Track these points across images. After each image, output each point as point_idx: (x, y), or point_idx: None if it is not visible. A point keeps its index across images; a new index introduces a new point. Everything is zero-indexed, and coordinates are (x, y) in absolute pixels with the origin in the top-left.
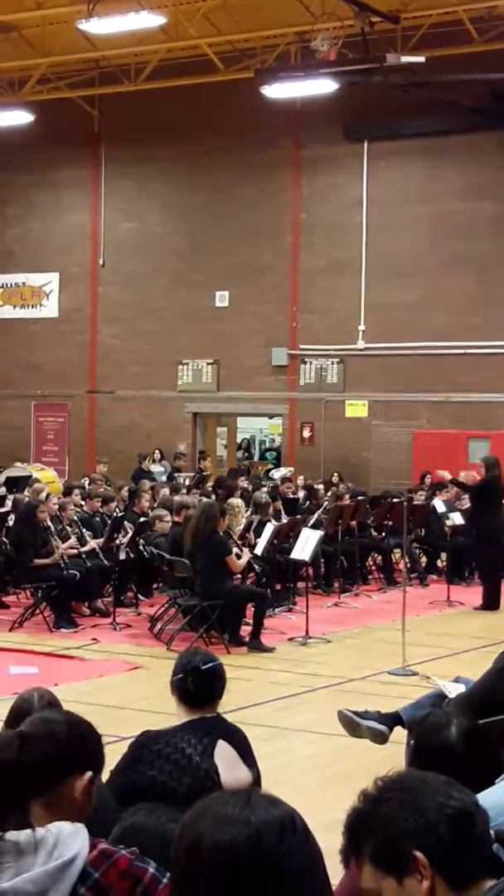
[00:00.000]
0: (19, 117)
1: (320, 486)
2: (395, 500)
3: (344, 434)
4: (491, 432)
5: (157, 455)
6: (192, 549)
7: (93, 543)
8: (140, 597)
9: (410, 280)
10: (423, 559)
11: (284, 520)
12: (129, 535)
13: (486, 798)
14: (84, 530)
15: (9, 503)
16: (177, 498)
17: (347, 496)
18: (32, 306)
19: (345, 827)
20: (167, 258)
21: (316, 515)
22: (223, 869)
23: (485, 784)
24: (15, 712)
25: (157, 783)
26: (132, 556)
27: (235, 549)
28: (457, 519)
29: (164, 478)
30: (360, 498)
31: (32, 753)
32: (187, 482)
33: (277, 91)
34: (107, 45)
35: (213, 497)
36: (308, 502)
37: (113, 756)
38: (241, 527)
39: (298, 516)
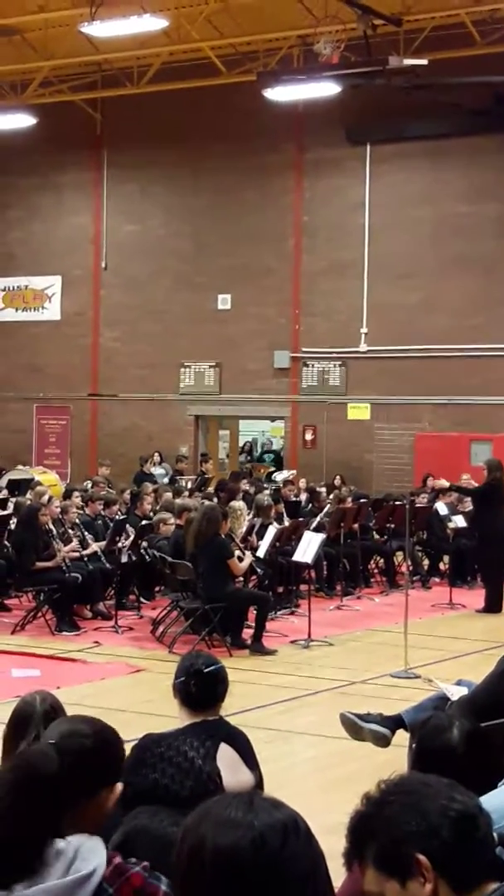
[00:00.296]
0: (21, 120)
1: (322, 489)
2: (397, 502)
3: (346, 437)
4: (493, 435)
5: (157, 458)
6: (194, 552)
7: (95, 546)
8: (142, 600)
9: (413, 282)
10: (426, 562)
11: (287, 523)
12: (132, 538)
13: (488, 801)
14: (86, 533)
15: (11, 506)
16: (178, 501)
17: (350, 499)
18: (35, 309)
19: (347, 830)
20: (169, 261)
21: (318, 518)
22: (226, 873)
23: (487, 787)
24: (17, 716)
25: (159, 786)
26: (134, 558)
27: (237, 552)
28: (459, 521)
29: (164, 480)
30: (362, 500)
31: (71, 768)
32: (189, 485)
33: (280, 94)
34: (109, 48)
35: (215, 500)
36: (310, 505)
37: None
38: (244, 530)
39: (300, 519)
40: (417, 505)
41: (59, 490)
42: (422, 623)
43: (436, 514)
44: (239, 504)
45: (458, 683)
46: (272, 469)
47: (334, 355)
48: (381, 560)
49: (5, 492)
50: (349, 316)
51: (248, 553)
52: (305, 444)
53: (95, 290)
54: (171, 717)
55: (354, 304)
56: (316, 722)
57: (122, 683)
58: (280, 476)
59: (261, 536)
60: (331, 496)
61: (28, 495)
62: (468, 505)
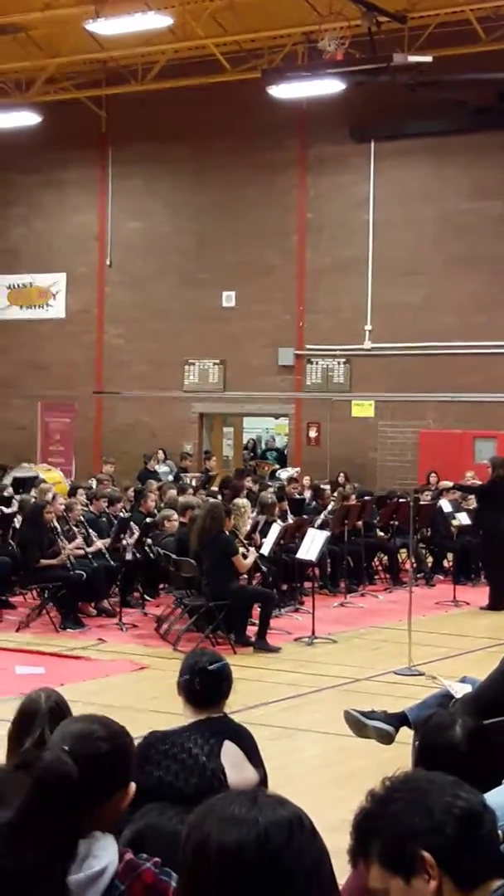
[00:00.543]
0: (26, 118)
1: (326, 487)
2: (401, 500)
3: (350, 434)
4: (497, 432)
5: (160, 455)
6: (199, 550)
7: (99, 544)
8: (146, 597)
9: (417, 280)
10: (430, 559)
11: (291, 520)
12: (136, 535)
13: (492, 798)
14: (90, 531)
15: (15, 504)
16: (181, 498)
17: (353, 496)
18: (39, 307)
19: (352, 827)
20: (174, 258)
21: (322, 516)
22: (231, 869)
23: (491, 784)
24: (22, 713)
25: (164, 783)
26: (138, 556)
27: (242, 550)
28: (463, 519)
29: (169, 478)
30: (366, 498)
31: (87, 774)
32: (193, 482)
33: (284, 91)
34: (114, 45)
35: (220, 497)
36: (314, 502)
37: None
38: (248, 527)
39: (305, 516)
40: (421, 502)
41: (63, 488)
42: (426, 620)
43: (440, 512)
44: (243, 501)
45: (462, 681)
46: (276, 466)
47: (338, 352)
48: (385, 557)
49: (10, 489)
50: (353, 313)
51: (252, 550)
52: (309, 442)
53: (100, 287)
54: (175, 714)
55: (358, 301)
56: (320, 719)
57: (126, 681)
58: (284, 473)
59: (265, 534)
60: (335, 493)
61: (32, 493)
62: (472, 502)
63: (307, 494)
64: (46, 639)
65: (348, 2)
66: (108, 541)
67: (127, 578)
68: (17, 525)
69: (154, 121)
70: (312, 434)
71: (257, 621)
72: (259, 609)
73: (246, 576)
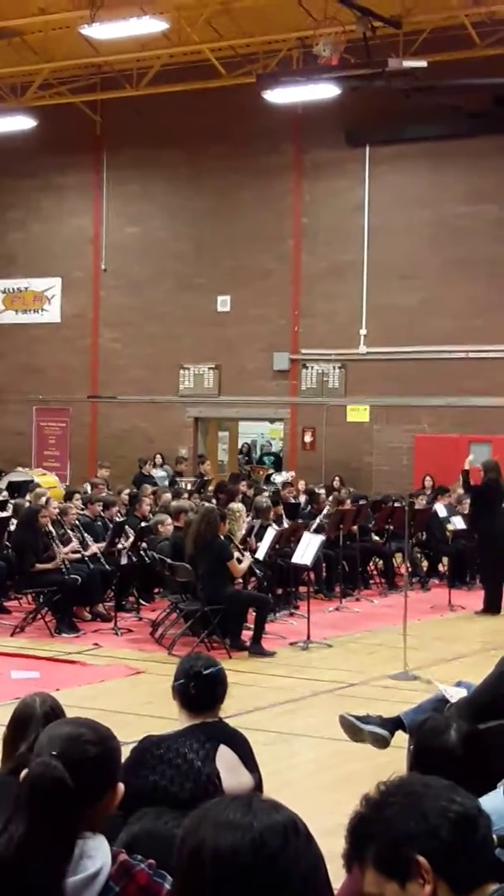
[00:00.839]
0: (22, 122)
1: (322, 491)
2: (396, 504)
3: (345, 438)
4: (492, 436)
5: (158, 459)
6: (194, 554)
7: (94, 548)
8: (141, 601)
9: (412, 284)
10: (425, 563)
11: (286, 524)
12: (131, 539)
13: (488, 802)
14: (85, 535)
15: (10, 508)
16: (175, 503)
17: (349, 500)
18: (34, 311)
19: (347, 831)
20: (169, 263)
21: (317, 520)
22: (226, 874)
23: (486, 788)
24: (17, 717)
25: (159, 788)
26: (134, 560)
27: (237, 554)
28: (458, 523)
29: (166, 483)
30: (361, 502)
31: (77, 778)
32: (189, 487)
33: (279, 96)
34: (109, 50)
35: (215, 501)
36: (309, 507)
37: None
38: (243, 531)
39: (300, 521)
40: (416, 506)
41: (58, 492)
42: (421, 625)
43: (435, 516)
44: (238, 506)
45: (458, 685)
46: (271, 471)
47: (333, 357)
48: (381, 562)
49: (5, 494)
50: (348, 318)
51: (247, 555)
52: (304, 446)
53: (95, 291)
54: (170, 719)
55: (354, 306)
56: (315, 724)
57: (121, 685)
58: (279, 478)
59: (260, 538)
60: (330, 498)
61: (27, 497)
62: (467, 506)
63: (302, 499)
64: (41, 643)
65: (343, 7)
66: (103, 545)
67: (122, 583)
68: (12, 529)
69: (149, 125)
70: (308, 438)
71: (252, 626)
72: (254, 613)
73: (241, 580)
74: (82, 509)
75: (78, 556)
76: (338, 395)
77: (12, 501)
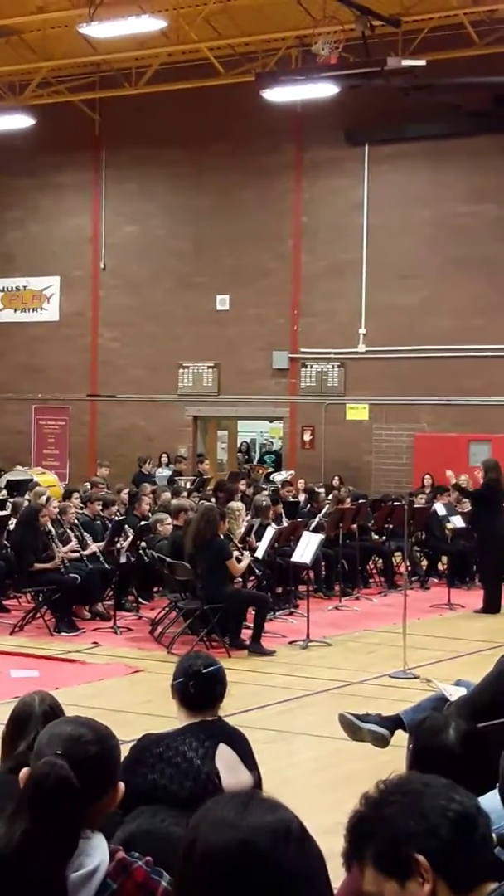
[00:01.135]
0: (20, 121)
1: (321, 490)
2: (395, 503)
3: (345, 437)
4: (492, 435)
5: (164, 459)
6: (193, 553)
7: (94, 547)
8: (141, 600)
9: (412, 283)
10: (424, 562)
11: (285, 523)
12: (130, 538)
13: (487, 801)
14: (85, 534)
15: (9, 507)
16: (174, 501)
17: (348, 499)
18: (33, 310)
19: (346, 830)
20: (168, 261)
21: (317, 519)
22: (214, 872)
23: (485, 787)
24: (16, 716)
25: (158, 786)
26: (133, 559)
27: (236, 553)
28: (457, 522)
29: (165, 481)
30: (360, 501)
31: (80, 777)
32: (188, 486)
33: (278, 95)
34: (108, 48)
35: (214, 500)
36: (309, 506)
37: None
38: (242, 530)
39: (299, 520)
40: (416, 505)
41: (57, 491)
42: (420, 623)
43: (434, 515)
44: (237, 505)
45: (457, 684)
46: (270, 470)
47: (333, 356)
48: (380, 560)
49: (4, 492)
50: (348, 317)
51: (246, 554)
52: (304, 445)
53: (94, 290)
54: (169, 717)
55: (353, 305)
56: (314, 722)
57: (120, 684)
58: (278, 477)
59: (259, 537)
60: (329, 497)
61: (27, 496)
62: (467, 505)
63: (301, 498)
64: (41, 642)
65: (342, 5)
66: (102, 544)
67: (121, 582)
68: (12, 528)
69: (148, 124)
70: (307, 437)
71: (252, 625)
72: (253, 612)
73: (240, 579)
74: (81, 508)
75: (77, 555)
76: (337, 394)
77: (11, 500)
